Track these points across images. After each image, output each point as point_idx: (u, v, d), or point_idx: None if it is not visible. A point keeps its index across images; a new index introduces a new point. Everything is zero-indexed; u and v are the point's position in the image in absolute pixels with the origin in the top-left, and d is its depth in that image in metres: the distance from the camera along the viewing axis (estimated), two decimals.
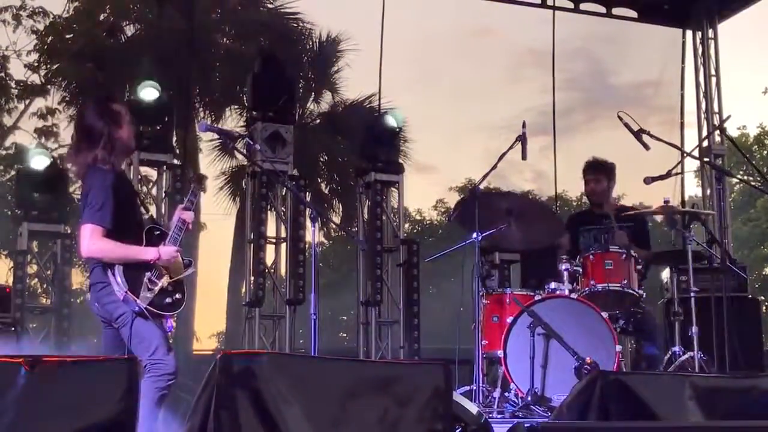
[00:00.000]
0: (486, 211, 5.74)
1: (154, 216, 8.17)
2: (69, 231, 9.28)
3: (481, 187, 5.83)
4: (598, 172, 6.81)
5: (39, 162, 9.02)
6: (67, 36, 16.74)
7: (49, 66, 17.15)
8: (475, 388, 5.45)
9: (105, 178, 4.44)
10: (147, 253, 4.44)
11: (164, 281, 4.46)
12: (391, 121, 9.75)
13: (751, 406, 3.94)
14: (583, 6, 11.68)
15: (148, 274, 4.43)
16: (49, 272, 9.42)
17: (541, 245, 6.59)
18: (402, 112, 10.12)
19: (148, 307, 4.36)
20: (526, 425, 3.45)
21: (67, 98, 17.04)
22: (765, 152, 28.08)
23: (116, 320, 4.43)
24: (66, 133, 17.42)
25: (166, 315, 4.46)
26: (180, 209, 4.75)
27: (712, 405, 3.90)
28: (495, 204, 5.96)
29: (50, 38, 16.94)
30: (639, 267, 6.10)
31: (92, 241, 4.35)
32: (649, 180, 5.83)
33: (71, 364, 3.16)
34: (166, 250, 4.48)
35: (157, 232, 4.60)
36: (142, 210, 5.00)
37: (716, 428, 3.78)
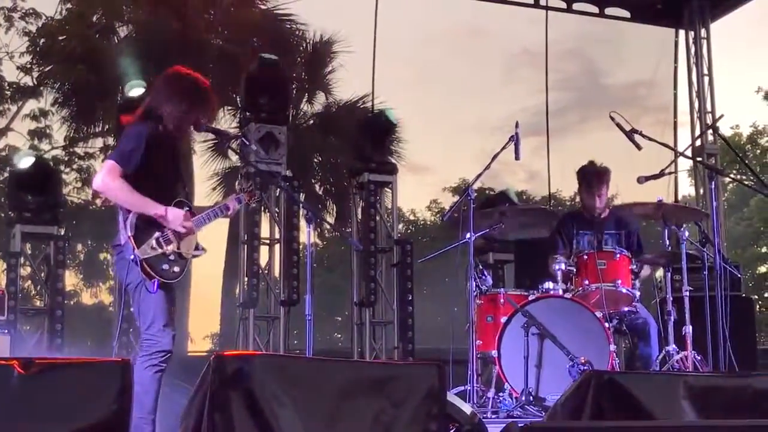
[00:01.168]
0: (480, 212, 5.76)
1: None
2: (62, 233, 9.26)
3: (475, 187, 5.80)
4: (602, 182, 6.46)
5: (26, 163, 9.00)
6: (60, 38, 16.68)
7: (41, 68, 17.11)
8: (469, 388, 5.45)
9: (142, 128, 4.44)
10: (155, 207, 4.37)
11: (170, 248, 4.40)
12: (390, 116, 9.75)
13: (745, 405, 3.94)
14: (575, 6, 11.72)
15: (157, 233, 4.37)
16: (42, 274, 9.40)
17: (538, 235, 6.60)
18: (395, 112, 10.13)
19: (143, 259, 4.30)
20: (519, 425, 3.44)
21: (59, 100, 17.00)
22: (758, 151, 28.10)
23: (126, 286, 4.42)
24: (59, 134, 17.41)
25: (155, 277, 4.32)
26: (233, 197, 4.78)
27: (705, 404, 3.90)
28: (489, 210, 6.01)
29: (42, 40, 16.90)
30: (632, 267, 6.11)
31: (107, 176, 4.33)
32: (642, 179, 5.83)
33: (64, 366, 3.16)
34: (174, 212, 4.41)
35: (186, 208, 4.53)
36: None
37: (710, 427, 3.78)
